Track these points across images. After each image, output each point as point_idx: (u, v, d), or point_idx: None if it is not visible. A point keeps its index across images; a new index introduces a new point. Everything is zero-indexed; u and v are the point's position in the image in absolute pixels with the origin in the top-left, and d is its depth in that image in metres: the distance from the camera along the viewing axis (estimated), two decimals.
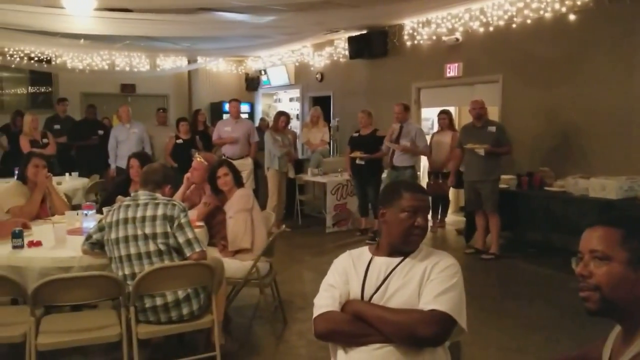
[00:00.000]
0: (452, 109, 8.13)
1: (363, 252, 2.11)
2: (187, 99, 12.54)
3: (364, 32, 9.08)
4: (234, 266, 3.84)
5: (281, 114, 7.93)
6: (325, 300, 1.98)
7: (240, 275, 3.85)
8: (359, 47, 9.21)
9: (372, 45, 8.97)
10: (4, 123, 9.05)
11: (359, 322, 1.90)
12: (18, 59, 10.02)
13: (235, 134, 7.87)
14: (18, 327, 2.91)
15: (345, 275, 2.03)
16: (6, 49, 9.96)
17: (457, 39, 7.80)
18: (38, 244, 3.38)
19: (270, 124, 8.69)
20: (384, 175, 7.32)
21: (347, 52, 9.62)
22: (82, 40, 9.09)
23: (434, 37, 8.17)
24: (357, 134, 7.39)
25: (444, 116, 7.62)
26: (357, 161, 7.20)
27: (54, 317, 3.20)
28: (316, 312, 1.98)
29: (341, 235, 7.49)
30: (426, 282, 1.92)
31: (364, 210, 7.45)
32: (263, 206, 6.04)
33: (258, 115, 12.59)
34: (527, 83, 6.97)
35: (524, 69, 6.99)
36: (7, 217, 3.99)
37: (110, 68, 11.16)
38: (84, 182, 6.96)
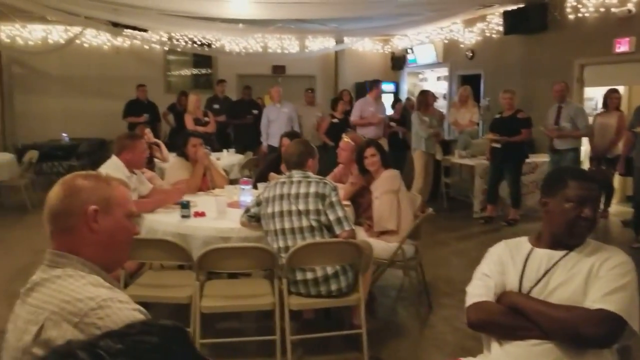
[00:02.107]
0: (620, 89, 7.35)
1: (521, 242, 2.01)
2: (333, 79, 12.77)
3: (521, 5, 8.49)
4: (379, 247, 3.84)
5: (427, 92, 7.77)
6: (480, 290, 1.92)
7: (385, 256, 3.85)
8: (514, 22, 8.65)
9: (530, 19, 8.37)
10: (170, 102, 9.95)
11: (516, 315, 1.83)
12: (183, 43, 10.92)
13: (382, 115, 7.87)
14: (185, 290, 3.21)
15: (501, 266, 1.95)
16: (173, 34, 10.90)
17: (630, 11, 6.97)
18: (202, 214, 3.67)
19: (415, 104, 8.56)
20: (544, 159, 6.86)
21: (501, 28, 9.08)
22: (240, 25, 9.63)
23: (602, 9, 7.39)
24: (499, 116, 7.01)
25: (617, 95, 6.93)
26: (492, 144, 6.89)
27: (214, 282, 3.46)
28: (469, 300, 1.93)
29: (489, 221, 7.17)
30: (594, 280, 1.79)
31: (491, 197, 7.08)
32: (408, 188, 5.98)
33: (403, 95, 12.44)
34: None
35: None
36: None
37: (263, 50, 11.73)
38: (239, 158, 7.41)
